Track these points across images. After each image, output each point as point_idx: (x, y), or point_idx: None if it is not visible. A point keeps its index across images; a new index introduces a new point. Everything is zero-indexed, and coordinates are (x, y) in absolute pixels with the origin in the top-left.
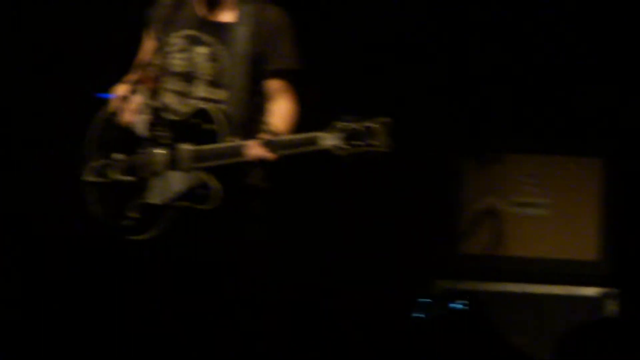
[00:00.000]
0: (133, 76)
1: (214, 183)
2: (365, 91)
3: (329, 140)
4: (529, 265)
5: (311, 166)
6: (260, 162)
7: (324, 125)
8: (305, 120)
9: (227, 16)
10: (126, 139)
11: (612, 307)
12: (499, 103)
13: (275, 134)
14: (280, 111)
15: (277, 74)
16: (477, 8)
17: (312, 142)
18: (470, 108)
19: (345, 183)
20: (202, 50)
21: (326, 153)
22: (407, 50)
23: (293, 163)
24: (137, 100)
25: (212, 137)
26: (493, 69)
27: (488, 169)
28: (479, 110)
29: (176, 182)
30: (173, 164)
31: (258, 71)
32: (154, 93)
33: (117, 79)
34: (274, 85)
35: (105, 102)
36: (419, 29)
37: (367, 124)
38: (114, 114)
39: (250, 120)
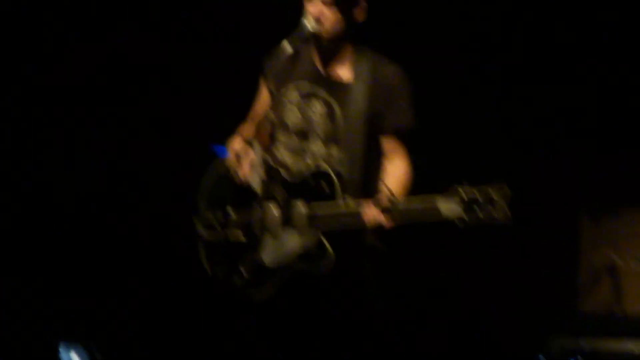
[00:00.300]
0: (247, 128)
1: (329, 245)
2: (477, 151)
3: (450, 210)
4: None
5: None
6: (378, 228)
7: (439, 187)
8: (418, 180)
9: (344, 71)
10: (240, 194)
11: None
12: (619, 158)
13: (394, 200)
14: (396, 171)
15: (393, 133)
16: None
17: (434, 210)
18: (589, 164)
19: (461, 239)
20: (318, 107)
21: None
22: (516, 115)
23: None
24: (252, 155)
25: (328, 197)
26: (615, 129)
27: (607, 224)
28: (598, 166)
29: (290, 241)
30: (287, 223)
31: (374, 129)
32: (269, 148)
33: (232, 128)
34: (389, 143)
35: (219, 155)
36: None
37: (488, 192)
38: (229, 169)
39: (366, 179)
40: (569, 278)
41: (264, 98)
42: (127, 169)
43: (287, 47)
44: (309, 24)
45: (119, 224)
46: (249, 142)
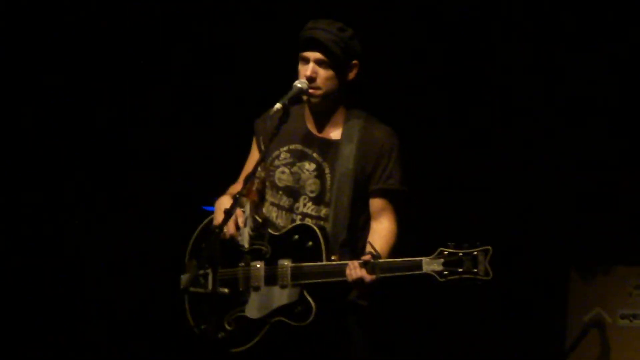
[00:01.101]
0: (238, 187)
1: (311, 300)
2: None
3: (432, 265)
4: None
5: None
6: (360, 283)
7: (425, 248)
8: (405, 241)
9: (334, 132)
10: (227, 250)
11: None
12: (607, 216)
13: (377, 255)
14: (382, 231)
15: (380, 194)
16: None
17: (416, 266)
18: (577, 221)
19: (450, 295)
20: (307, 165)
21: (426, 277)
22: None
23: (392, 282)
24: (240, 212)
25: (313, 254)
26: (601, 184)
27: (595, 281)
28: (587, 222)
29: (274, 297)
30: (272, 279)
31: (361, 189)
32: (257, 206)
33: (222, 189)
34: (377, 204)
35: (209, 213)
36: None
37: (471, 251)
38: (218, 226)
39: (352, 238)
40: (558, 334)
41: (255, 158)
42: (117, 225)
43: (279, 107)
44: (301, 84)
45: (102, 277)
46: (237, 199)
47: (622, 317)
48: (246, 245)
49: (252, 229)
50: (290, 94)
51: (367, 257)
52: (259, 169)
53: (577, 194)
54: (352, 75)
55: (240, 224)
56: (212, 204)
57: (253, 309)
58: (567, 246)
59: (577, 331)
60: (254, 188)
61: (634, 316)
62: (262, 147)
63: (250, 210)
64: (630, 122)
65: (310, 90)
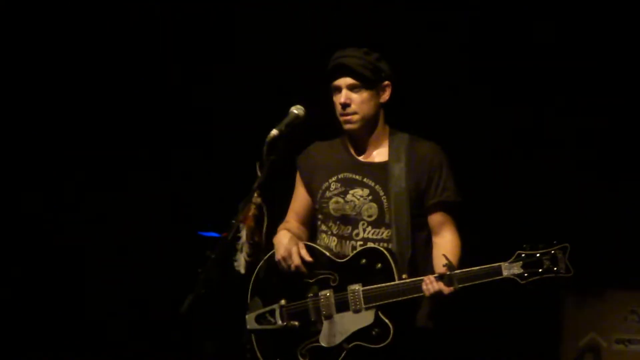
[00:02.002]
0: (288, 225)
1: (388, 321)
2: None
3: (511, 269)
4: None
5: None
6: (438, 296)
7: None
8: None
9: (379, 155)
10: (291, 282)
11: None
12: (602, 240)
13: (453, 267)
14: (446, 244)
15: (438, 208)
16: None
17: (496, 272)
18: (573, 244)
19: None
20: (359, 191)
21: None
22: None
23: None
24: (302, 245)
25: (383, 275)
26: (596, 207)
27: (590, 305)
28: (582, 246)
29: (349, 323)
30: (344, 305)
31: (418, 207)
32: (254, 232)
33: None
34: (436, 218)
35: (208, 240)
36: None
37: (549, 250)
38: (214, 253)
39: (416, 255)
40: (553, 358)
41: (300, 193)
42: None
43: (274, 134)
44: (297, 110)
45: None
46: (234, 227)
47: (618, 341)
48: (242, 270)
49: (249, 255)
50: (286, 120)
51: (443, 270)
52: (255, 194)
53: (571, 216)
54: (385, 96)
55: (239, 249)
56: (209, 229)
57: (327, 337)
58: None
59: (572, 356)
60: (250, 214)
61: (630, 341)
62: (308, 183)
63: (247, 235)
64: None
65: (347, 117)
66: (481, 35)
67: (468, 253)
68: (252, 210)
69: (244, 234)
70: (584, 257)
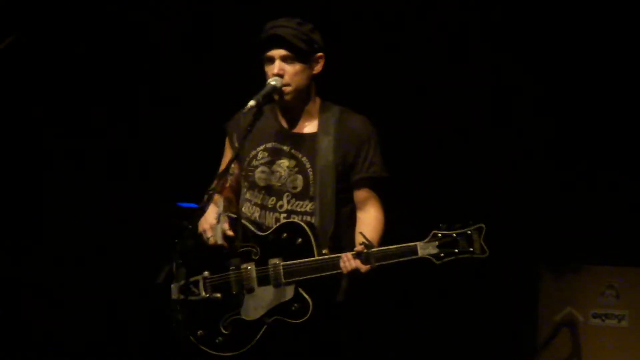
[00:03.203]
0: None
1: (307, 296)
2: (444, 195)
3: (427, 249)
4: None
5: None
6: (355, 274)
7: (416, 233)
8: (393, 227)
9: (309, 126)
10: (213, 255)
11: None
12: (579, 214)
13: (370, 245)
14: (370, 220)
15: (364, 183)
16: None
17: (411, 252)
18: (550, 219)
19: (422, 293)
20: (286, 162)
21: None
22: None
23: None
24: (213, 210)
25: (303, 251)
26: (577, 182)
27: (567, 280)
28: (559, 221)
29: (269, 297)
30: (265, 279)
31: (343, 181)
32: (231, 203)
33: (201, 190)
34: (361, 194)
35: (186, 211)
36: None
37: (465, 230)
38: (190, 222)
39: (339, 230)
40: (529, 333)
41: (227, 158)
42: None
43: (253, 104)
44: (275, 81)
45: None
46: (210, 196)
47: (594, 316)
48: (219, 241)
49: (229, 226)
50: (264, 91)
51: (360, 248)
52: (232, 165)
53: (549, 191)
54: (318, 68)
55: (213, 220)
56: (189, 200)
57: (249, 311)
58: (538, 244)
59: (548, 330)
60: (227, 185)
61: (606, 316)
62: (236, 144)
63: (224, 206)
64: (608, 120)
65: (281, 85)
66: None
67: (406, 230)
68: (229, 181)
69: (221, 204)
70: (560, 232)
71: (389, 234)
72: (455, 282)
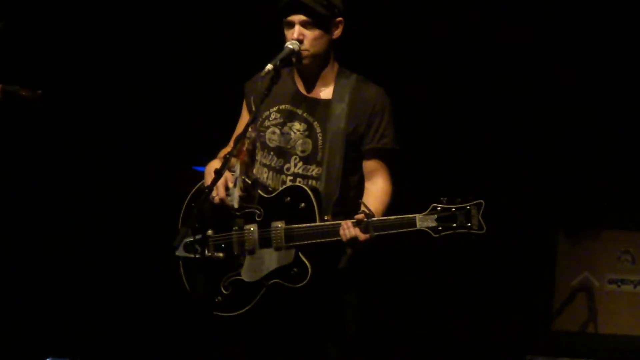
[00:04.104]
0: (228, 150)
1: (307, 261)
2: (456, 170)
3: (426, 222)
4: (623, 344)
5: (403, 243)
6: (354, 242)
7: (419, 205)
8: (400, 199)
9: (324, 91)
10: (218, 215)
11: None
12: (596, 179)
13: (370, 214)
14: (376, 191)
15: (373, 153)
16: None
17: (410, 223)
18: (566, 184)
19: (438, 261)
20: (297, 125)
21: (421, 233)
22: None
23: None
24: (229, 174)
25: (306, 216)
26: (591, 148)
27: (584, 245)
28: (575, 186)
29: (269, 259)
30: (267, 242)
31: (353, 149)
32: (248, 167)
33: (213, 151)
34: (370, 164)
35: (201, 175)
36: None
37: (464, 205)
38: (207, 187)
39: (345, 198)
40: (545, 297)
41: (245, 121)
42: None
43: (270, 68)
44: (292, 44)
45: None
46: (227, 160)
47: (610, 282)
48: (236, 205)
49: (242, 190)
50: (282, 54)
51: (360, 216)
52: (250, 129)
53: (567, 157)
54: (337, 33)
55: (230, 184)
56: (203, 164)
57: (249, 272)
58: (556, 209)
59: (565, 295)
60: (245, 148)
61: (622, 281)
62: (253, 108)
63: (241, 170)
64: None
65: (300, 49)
66: None
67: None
68: (247, 145)
69: (238, 168)
70: (578, 197)
71: (396, 205)
72: (473, 249)
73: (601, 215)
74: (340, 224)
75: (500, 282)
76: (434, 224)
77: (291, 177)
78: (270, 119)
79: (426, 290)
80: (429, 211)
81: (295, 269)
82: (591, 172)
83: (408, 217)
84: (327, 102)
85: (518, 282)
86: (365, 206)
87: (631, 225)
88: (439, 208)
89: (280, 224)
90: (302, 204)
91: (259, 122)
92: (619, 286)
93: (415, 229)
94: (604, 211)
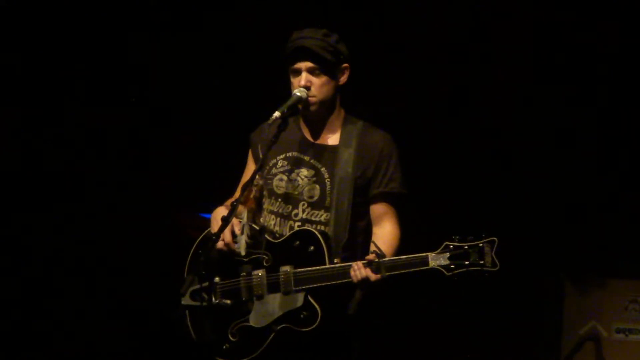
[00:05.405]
0: (235, 198)
1: (316, 305)
2: (468, 211)
3: (438, 260)
4: None
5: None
6: (365, 283)
7: (430, 245)
8: (409, 240)
9: (331, 138)
10: (226, 262)
11: None
12: (604, 228)
13: (382, 254)
14: (385, 235)
15: (382, 198)
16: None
17: (422, 262)
18: (574, 232)
19: (446, 304)
20: (305, 172)
21: (433, 272)
22: (508, 174)
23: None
24: (237, 221)
25: (315, 259)
26: (599, 196)
27: (591, 293)
28: (583, 234)
29: (278, 304)
30: (275, 286)
31: (361, 194)
32: (255, 214)
33: (220, 198)
34: (378, 208)
35: (207, 222)
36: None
37: (477, 242)
38: (215, 234)
39: (353, 243)
40: (553, 347)
41: (251, 169)
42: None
43: (277, 116)
44: (300, 92)
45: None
46: (234, 207)
47: (618, 331)
48: (243, 252)
49: (250, 237)
50: (289, 102)
51: (371, 257)
52: (257, 176)
53: (573, 205)
54: (344, 78)
55: (237, 231)
56: (209, 211)
57: (257, 318)
58: (563, 258)
59: (572, 344)
60: (252, 196)
61: (630, 331)
62: (260, 156)
63: (248, 217)
64: (626, 133)
65: (307, 96)
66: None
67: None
68: (254, 193)
69: (245, 215)
70: (585, 245)
71: (405, 244)
72: (480, 295)
73: (608, 265)
74: (350, 265)
75: (508, 331)
76: (446, 262)
77: (299, 223)
78: (278, 166)
79: (429, 340)
80: (442, 249)
81: (304, 313)
82: (598, 221)
83: (420, 255)
84: (334, 148)
85: (526, 331)
86: (377, 246)
87: (638, 274)
88: (451, 246)
89: (288, 268)
90: (312, 247)
91: (266, 170)
92: (626, 335)
93: (427, 267)
94: (611, 260)
